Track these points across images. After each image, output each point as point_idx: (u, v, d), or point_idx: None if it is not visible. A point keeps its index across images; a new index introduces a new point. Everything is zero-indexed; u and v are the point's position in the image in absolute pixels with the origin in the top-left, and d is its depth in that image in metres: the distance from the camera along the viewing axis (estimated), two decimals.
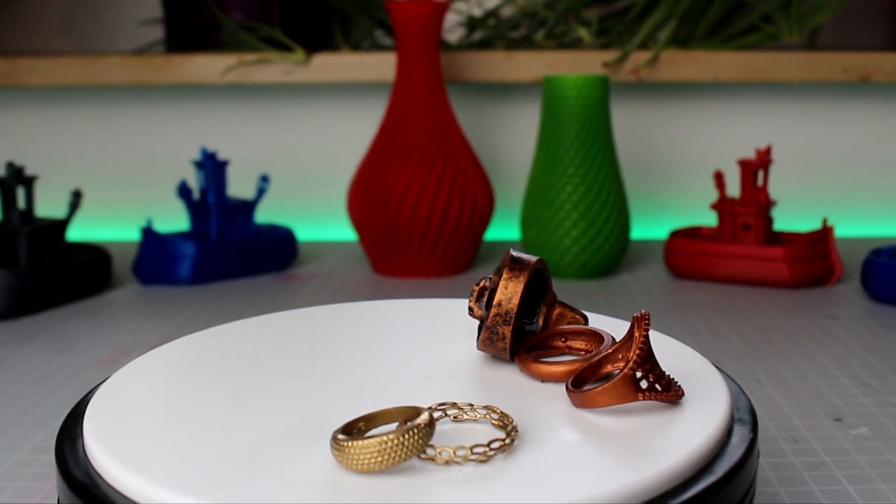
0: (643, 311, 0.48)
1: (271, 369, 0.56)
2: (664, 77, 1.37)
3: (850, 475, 0.66)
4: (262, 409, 0.49)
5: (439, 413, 0.48)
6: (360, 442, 0.41)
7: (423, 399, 0.50)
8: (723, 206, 1.21)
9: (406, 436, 0.41)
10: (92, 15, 1.62)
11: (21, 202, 1.27)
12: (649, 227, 1.50)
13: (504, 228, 1.49)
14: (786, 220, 1.47)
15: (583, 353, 0.56)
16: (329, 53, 1.40)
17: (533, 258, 0.55)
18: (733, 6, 1.45)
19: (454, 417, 0.48)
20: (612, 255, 1.21)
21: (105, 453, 0.44)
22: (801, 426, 0.75)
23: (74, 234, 1.50)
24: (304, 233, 1.51)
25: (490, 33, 1.48)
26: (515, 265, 0.53)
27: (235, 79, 1.38)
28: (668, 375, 0.49)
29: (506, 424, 0.46)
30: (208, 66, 1.38)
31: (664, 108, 1.49)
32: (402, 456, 0.41)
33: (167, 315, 1.07)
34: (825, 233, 1.19)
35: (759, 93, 1.48)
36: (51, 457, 0.71)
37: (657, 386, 0.48)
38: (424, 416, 0.42)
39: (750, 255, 1.17)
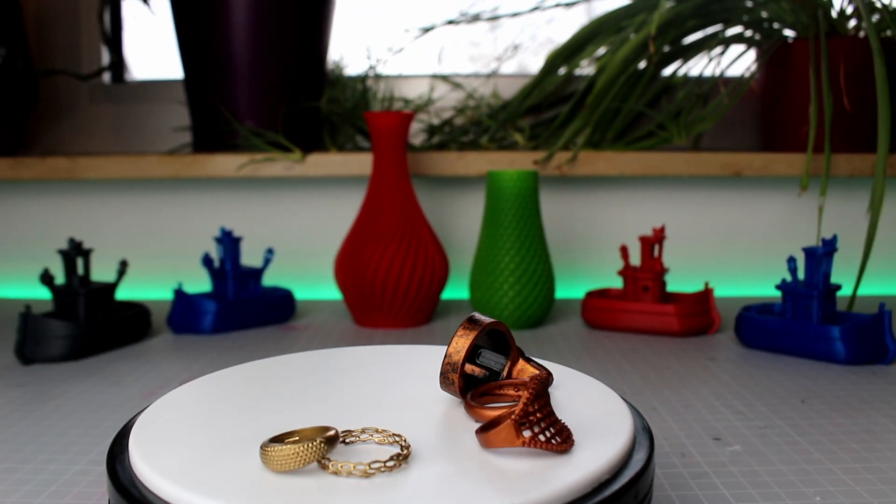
0: (541, 373, 0.47)
1: (276, 399, 0.56)
2: (581, 172, 1.38)
3: (726, 482, 0.67)
4: (270, 428, 0.50)
5: (353, 437, 0.49)
6: (277, 447, 0.43)
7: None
8: (627, 272, 1.22)
9: (309, 445, 0.43)
10: (135, 123, 1.62)
11: (80, 269, 1.27)
12: (570, 288, 1.50)
13: (457, 289, 1.49)
14: (676, 283, 1.48)
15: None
16: (320, 154, 1.40)
17: (487, 320, 0.54)
18: (635, 117, 1.47)
19: (363, 440, 0.49)
20: (540, 311, 1.22)
21: (146, 465, 0.44)
22: (687, 444, 0.75)
23: (122, 294, 1.49)
24: (301, 293, 1.50)
25: (445, 138, 1.49)
26: (469, 325, 0.53)
27: (247, 173, 1.38)
28: (565, 429, 0.47)
29: (402, 446, 0.46)
30: (226, 164, 1.38)
31: (581, 196, 1.49)
32: (305, 461, 0.43)
33: (194, 357, 1.06)
34: (707, 293, 1.19)
35: (655, 184, 1.49)
36: (103, 468, 0.71)
37: (544, 435, 0.45)
38: (328, 434, 0.44)
39: (648, 310, 1.18)
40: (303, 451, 0.43)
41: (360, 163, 1.39)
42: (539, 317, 1.22)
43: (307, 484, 0.42)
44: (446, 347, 0.57)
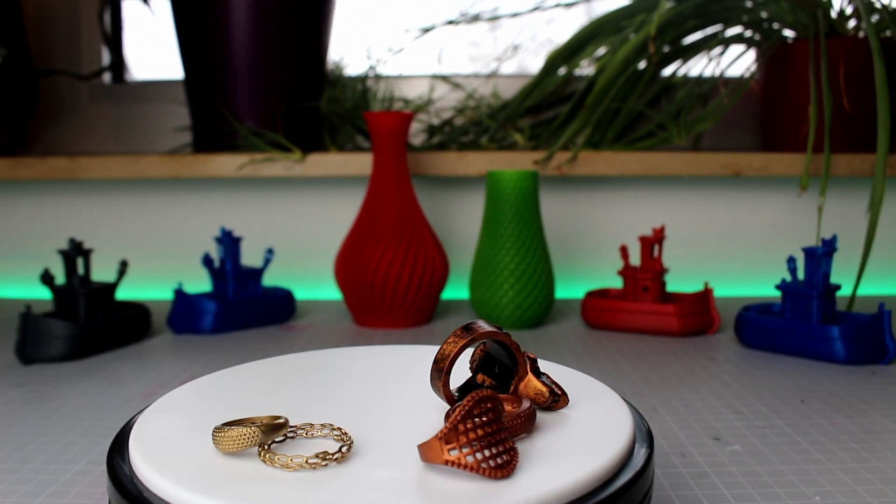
0: (479, 392, 0.44)
1: (275, 399, 0.56)
2: (581, 172, 1.38)
3: (726, 482, 0.67)
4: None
5: (301, 431, 0.50)
6: (224, 430, 0.45)
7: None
8: (627, 272, 1.22)
9: (246, 431, 0.45)
10: (135, 123, 1.62)
11: (80, 269, 1.27)
12: (569, 288, 1.50)
13: (457, 289, 1.49)
14: (676, 283, 1.48)
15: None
16: (320, 154, 1.40)
17: (483, 329, 0.51)
18: (635, 117, 1.47)
19: (306, 434, 0.50)
20: (540, 311, 1.22)
21: (147, 465, 0.44)
22: (687, 444, 0.75)
23: (122, 294, 1.49)
24: (301, 293, 1.50)
25: (445, 138, 1.49)
26: (463, 332, 0.51)
27: (247, 173, 1.38)
28: (510, 453, 0.43)
29: (345, 441, 0.47)
30: (226, 164, 1.38)
31: (581, 196, 1.49)
32: (243, 445, 0.45)
33: (194, 357, 1.06)
34: (706, 293, 1.19)
35: (655, 184, 1.49)
36: (103, 468, 0.71)
37: (474, 457, 0.42)
38: (276, 422, 0.47)
39: (648, 310, 1.18)
40: (240, 436, 0.45)
41: (360, 163, 1.39)
42: (539, 317, 1.22)
43: (310, 483, 0.42)
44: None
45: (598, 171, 1.38)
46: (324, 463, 0.44)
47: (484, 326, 0.52)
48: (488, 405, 0.44)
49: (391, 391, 0.57)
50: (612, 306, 1.20)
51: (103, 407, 0.87)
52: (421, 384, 0.59)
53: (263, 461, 0.45)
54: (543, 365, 0.63)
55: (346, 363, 0.65)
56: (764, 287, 1.50)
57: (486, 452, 0.43)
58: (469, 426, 0.43)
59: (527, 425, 0.48)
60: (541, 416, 0.52)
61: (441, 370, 0.51)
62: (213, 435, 0.46)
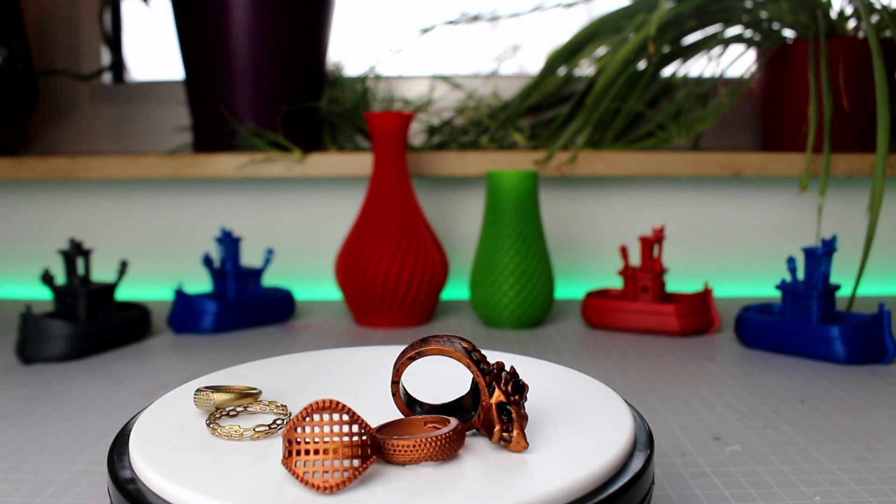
0: (316, 402, 0.43)
1: (275, 398, 0.55)
2: (581, 172, 1.38)
3: (726, 482, 0.67)
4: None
5: (246, 406, 0.54)
6: (198, 394, 0.53)
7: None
8: (626, 272, 1.22)
9: (206, 395, 0.53)
10: (135, 124, 1.62)
11: (80, 269, 1.27)
12: (569, 288, 1.50)
13: (457, 289, 1.50)
14: (675, 283, 1.48)
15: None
16: (320, 153, 1.40)
17: (428, 347, 0.48)
18: (635, 117, 1.47)
19: (250, 411, 0.54)
20: (540, 311, 1.22)
21: (147, 464, 0.44)
22: (687, 444, 0.75)
23: (122, 294, 1.49)
24: (301, 293, 1.50)
25: (445, 138, 1.49)
26: (418, 344, 0.49)
27: (247, 173, 1.38)
28: (348, 471, 0.42)
29: (286, 415, 0.52)
30: (226, 164, 1.38)
31: (581, 196, 1.49)
32: (203, 406, 0.53)
33: (194, 357, 1.06)
34: (706, 293, 1.19)
35: (654, 184, 1.49)
36: (104, 468, 0.71)
37: (302, 465, 0.42)
38: (241, 390, 0.54)
39: (648, 310, 1.18)
40: (200, 399, 0.53)
41: (360, 163, 1.39)
42: (539, 317, 1.22)
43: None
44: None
45: (598, 171, 1.38)
46: (257, 434, 0.48)
47: (440, 343, 0.49)
48: (325, 415, 0.43)
49: (388, 390, 0.57)
50: (612, 306, 1.20)
51: (104, 407, 0.87)
52: (419, 384, 0.59)
53: (210, 431, 0.50)
54: (539, 368, 0.63)
55: (346, 363, 0.65)
56: (764, 287, 1.50)
57: (319, 464, 0.42)
58: (300, 435, 0.43)
59: (441, 450, 0.44)
60: (540, 418, 0.52)
61: (394, 381, 0.50)
62: (196, 395, 0.53)
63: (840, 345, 1.01)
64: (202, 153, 1.41)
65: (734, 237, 1.50)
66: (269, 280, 1.49)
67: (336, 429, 0.43)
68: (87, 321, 1.08)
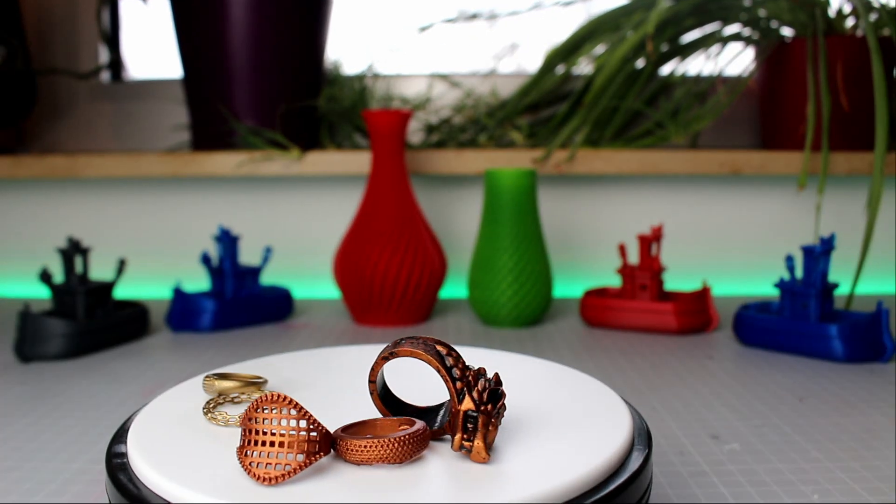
0: (264, 395, 0.43)
1: None
2: (580, 170, 1.38)
3: (724, 481, 0.67)
4: None
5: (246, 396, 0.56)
6: (206, 381, 0.55)
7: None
8: (625, 270, 1.22)
9: (209, 381, 0.55)
10: (134, 122, 1.62)
11: (79, 268, 1.27)
12: (568, 286, 1.50)
13: (455, 288, 1.50)
14: (674, 281, 1.48)
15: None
16: (318, 152, 1.40)
17: (401, 349, 0.48)
18: (633, 115, 1.47)
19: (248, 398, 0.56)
20: (539, 309, 1.22)
21: (146, 463, 0.44)
22: (686, 443, 0.75)
23: (120, 292, 1.49)
24: (299, 292, 1.50)
25: (444, 136, 1.49)
26: (392, 346, 0.48)
27: (246, 172, 1.38)
28: (290, 465, 0.42)
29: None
30: (225, 162, 1.38)
31: (580, 195, 1.49)
32: (210, 391, 0.55)
33: (193, 355, 1.06)
34: (704, 292, 1.19)
35: (653, 182, 1.49)
36: (102, 466, 0.71)
37: (254, 457, 0.43)
38: (247, 378, 0.56)
39: (646, 309, 1.18)
40: (208, 384, 0.55)
41: (359, 161, 1.39)
42: (537, 315, 1.22)
43: (311, 482, 0.42)
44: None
45: (597, 169, 1.38)
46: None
47: (411, 344, 0.48)
48: (274, 409, 0.43)
49: (392, 388, 0.57)
50: (611, 305, 1.20)
51: (102, 405, 0.87)
52: (415, 382, 0.59)
53: (207, 418, 0.51)
54: (537, 367, 0.63)
55: (344, 361, 0.65)
56: (762, 285, 1.50)
57: (264, 456, 0.43)
58: (251, 426, 0.43)
59: (395, 452, 0.44)
60: (538, 416, 0.52)
61: (370, 381, 0.50)
62: (205, 381, 0.55)
63: (838, 343, 1.01)
64: (200, 151, 1.41)
65: (733, 235, 1.50)
66: (268, 278, 1.49)
67: (284, 423, 0.43)
68: (86, 319, 1.08)
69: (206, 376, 0.55)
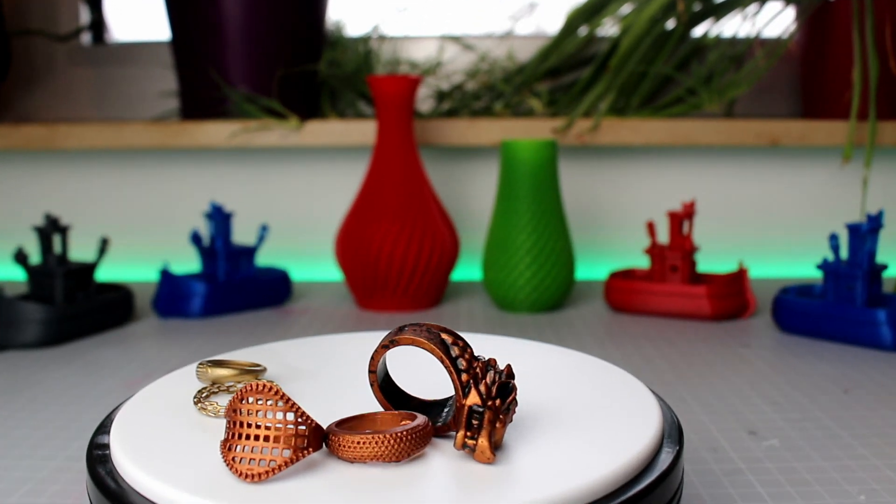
0: (250, 384, 0.43)
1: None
2: (604, 141, 1.38)
3: (762, 480, 0.66)
4: None
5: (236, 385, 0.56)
6: (199, 368, 0.55)
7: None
8: (654, 250, 1.22)
9: (202, 369, 0.55)
10: (118, 88, 1.62)
11: (57, 247, 1.27)
12: (591, 268, 1.50)
13: (468, 270, 1.49)
14: (707, 262, 1.48)
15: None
16: (319, 121, 1.40)
17: (402, 337, 0.48)
18: (663, 81, 1.46)
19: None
20: (559, 293, 1.22)
21: (130, 461, 0.44)
22: (720, 438, 0.75)
23: (102, 274, 1.49)
24: (298, 274, 1.50)
25: (456, 104, 1.49)
26: (394, 333, 0.48)
27: (240, 143, 1.38)
28: (274, 462, 0.42)
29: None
30: (217, 132, 1.38)
31: (604, 168, 1.49)
32: (204, 379, 0.55)
33: (181, 343, 1.06)
34: (740, 274, 1.19)
35: (684, 154, 1.49)
36: (83, 464, 0.71)
37: (232, 449, 0.43)
38: (245, 366, 0.56)
39: (677, 292, 1.18)
40: (202, 372, 0.54)
41: (363, 131, 1.39)
42: (558, 299, 1.22)
43: (298, 480, 0.42)
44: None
45: (623, 140, 1.38)
46: None
47: (413, 332, 0.48)
48: (260, 400, 0.43)
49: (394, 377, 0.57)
50: (638, 288, 1.20)
51: (83, 398, 0.87)
52: (425, 373, 0.59)
53: (197, 408, 0.51)
54: (557, 356, 0.63)
55: (347, 349, 0.65)
56: (803, 267, 1.50)
57: (248, 450, 0.43)
58: (236, 418, 0.43)
59: (390, 450, 0.44)
60: (558, 410, 0.52)
61: (370, 371, 0.50)
62: (200, 369, 0.55)
63: (887, 330, 1.01)
64: (190, 120, 1.41)
65: (771, 212, 1.50)
66: (264, 259, 1.49)
67: (270, 415, 0.43)
68: (65, 304, 1.08)
69: (200, 363, 0.55)
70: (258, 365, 0.57)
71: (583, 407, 0.52)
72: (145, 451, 0.46)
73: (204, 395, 0.53)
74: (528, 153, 1.19)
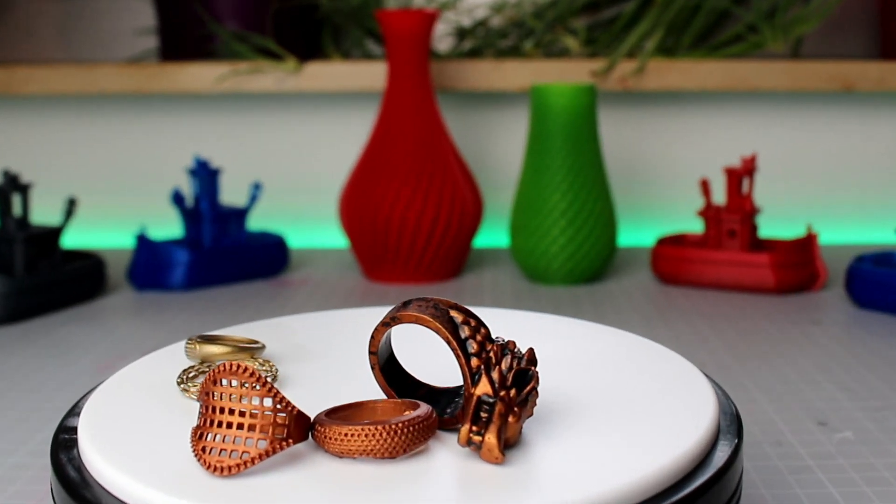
0: (222, 365, 0.43)
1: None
2: (651, 86, 1.37)
3: (834, 479, 0.66)
4: None
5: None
6: (188, 344, 0.55)
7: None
8: (709, 212, 1.21)
9: (191, 345, 0.55)
10: (87, 24, 1.62)
11: (17, 209, 1.27)
12: (636, 233, 1.50)
13: (493, 235, 1.49)
14: (770, 226, 1.47)
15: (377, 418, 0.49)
16: (320, 62, 1.40)
17: (405, 313, 0.47)
18: (719, 16, 1.45)
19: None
20: (599, 262, 1.21)
21: (100, 456, 0.44)
22: (785, 430, 0.75)
23: (69, 240, 1.49)
24: (296, 240, 1.50)
25: (479, 43, 1.48)
26: (397, 308, 0.49)
27: (228, 88, 1.38)
28: (249, 453, 0.42)
29: (273, 374, 0.55)
30: (202, 75, 1.38)
31: (651, 117, 1.49)
32: (193, 356, 0.55)
33: (161, 320, 1.06)
34: (809, 239, 1.19)
35: (744, 101, 1.48)
36: (47, 460, 0.71)
37: (203, 439, 0.43)
38: (242, 342, 0.57)
39: (735, 261, 1.17)
40: (190, 349, 0.54)
41: (371, 74, 1.39)
42: (597, 269, 1.22)
43: (276, 475, 0.42)
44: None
45: (673, 84, 1.37)
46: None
47: (418, 308, 0.48)
48: (234, 382, 0.43)
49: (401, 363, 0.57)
50: (690, 256, 1.20)
51: (47, 383, 0.87)
52: (443, 356, 0.58)
53: (181, 389, 0.52)
54: (596, 334, 0.63)
55: (353, 327, 0.65)
56: (881, 232, 1.49)
57: (219, 439, 0.42)
58: (209, 402, 0.43)
59: (382, 445, 0.43)
60: (597, 397, 0.51)
61: (371, 352, 0.49)
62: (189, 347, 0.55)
63: None
64: (171, 62, 1.41)
65: (844, 168, 1.49)
66: (256, 223, 1.49)
67: (245, 401, 0.43)
68: (26, 275, 1.09)
69: (190, 338, 0.55)
70: (256, 342, 0.57)
71: (624, 395, 0.52)
72: (119, 444, 0.45)
73: (190, 374, 0.53)
74: (562, 100, 1.19)
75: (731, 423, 0.49)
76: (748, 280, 1.17)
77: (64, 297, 1.12)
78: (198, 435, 0.43)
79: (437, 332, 0.46)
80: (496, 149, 1.49)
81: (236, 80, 1.38)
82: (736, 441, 0.47)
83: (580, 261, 1.20)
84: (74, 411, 0.52)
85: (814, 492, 0.64)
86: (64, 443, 0.48)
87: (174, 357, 0.58)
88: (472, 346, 0.46)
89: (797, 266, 1.17)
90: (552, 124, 1.20)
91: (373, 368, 0.49)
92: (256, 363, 0.55)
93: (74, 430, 0.49)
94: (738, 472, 0.47)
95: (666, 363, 0.57)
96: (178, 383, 0.52)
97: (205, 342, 0.55)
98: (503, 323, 0.64)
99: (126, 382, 0.54)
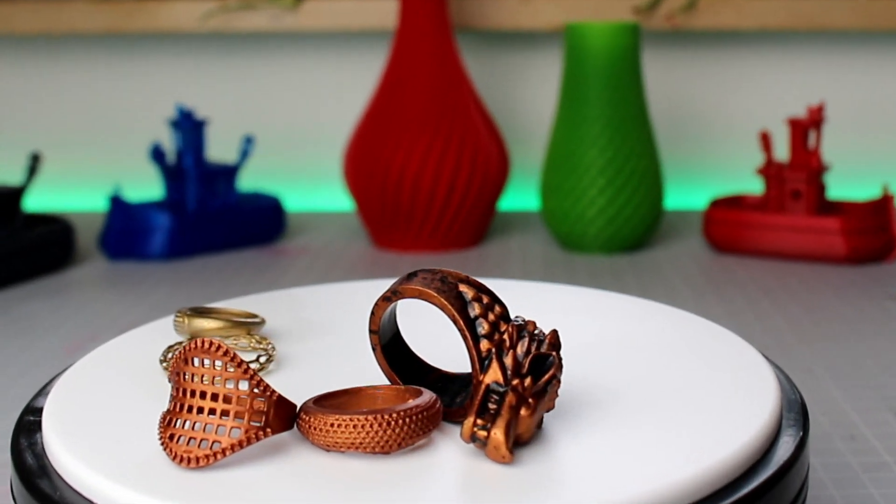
0: (195, 341, 0.43)
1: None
2: (702, 24, 1.37)
3: None
4: None
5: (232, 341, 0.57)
6: (177, 317, 0.56)
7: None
8: (770, 170, 1.21)
9: (190, 319, 0.56)
10: None
11: None
12: (686, 195, 1.50)
13: (521, 197, 1.49)
14: (841, 186, 1.47)
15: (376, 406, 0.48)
16: None
17: (408, 287, 0.47)
18: None
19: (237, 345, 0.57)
20: (643, 227, 1.21)
21: (65, 449, 0.44)
22: (858, 422, 0.75)
23: (33, 203, 1.50)
24: (294, 201, 1.50)
25: None
26: (400, 281, 0.48)
27: (216, 26, 1.38)
28: (224, 444, 0.42)
29: (267, 353, 0.55)
30: (186, 12, 1.38)
31: (703, 60, 1.48)
32: (180, 331, 0.56)
33: (138, 294, 1.07)
34: (885, 201, 1.18)
35: (810, 43, 1.48)
36: (7, 455, 0.71)
37: (171, 427, 0.43)
38: (239, 316, 0.57)
39: (800, 226, 1.17)
40: (179, 324, 0.55)
41: (380, 10, 1.39)
42: (641, 235, 1.22)
43: (250, 468, 0.42)
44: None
45: (727, 23, 1.37)
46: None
47: (423, 281, 0.47)
48: (206, 361, 0.43)
49: (410, 343, 0.56)
50: (749, 220, 1.19)
51: (7, 367, 0.87)
52: (454, 333, 0.58)
53: (163, 368, 0.53)
54: (639, 310, 0.63)
55: (358, 303, 0.64)
56: None
57: (189, 426, 0.42)
58: (181, 384, 0.43)
59: (372, 438, 0.43)
60: (640, 383, 0.51)
61: (372, 331, 0.49)
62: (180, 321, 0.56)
63: None
64: None
65: None
66: (248, 182, 1.49)
67: (219, 383, 0.42)
68: None
69: (179, 311, 0.55)
70: (255, 315, 0.57)
71: (669, 383, 0.51)
72: (87, 436, 0.45)
73: (176, 350, 0.53)
74: (600, 40, 1.19)
75: (795, 414, 0.49)
76: (815, 248, 1.16)
77: (26, 269, 1.12)
78: (167, 421, 0.42)
79: (443, 308, 0.45)
80: (525, 97, 1.49)
81: (225, 17, 1.38)
82: (801, 434, 0.47)
83: (621, 226, 1.20)
84: (38, 400, 0.52)
85: (891, 492, 0.64)
86: (26, 434, 0.48)
87: (153, 336, 0.58)
88: (483, 327, 0.45)
89: (871, 232, 1.16)
90: (589, 69, 1.19)
91: (374, 349, 0.49)
92: (253, 340, 0.55)
93: (38, 420, 0.49)
94: (804, 470, 0.47)
95: (720, 344, 0.56)
96: (161, 361, 0.52)
97: (196, 315, 0.55)
98: (529, 298, 0.64)
99: (97, 366, 0.54)
